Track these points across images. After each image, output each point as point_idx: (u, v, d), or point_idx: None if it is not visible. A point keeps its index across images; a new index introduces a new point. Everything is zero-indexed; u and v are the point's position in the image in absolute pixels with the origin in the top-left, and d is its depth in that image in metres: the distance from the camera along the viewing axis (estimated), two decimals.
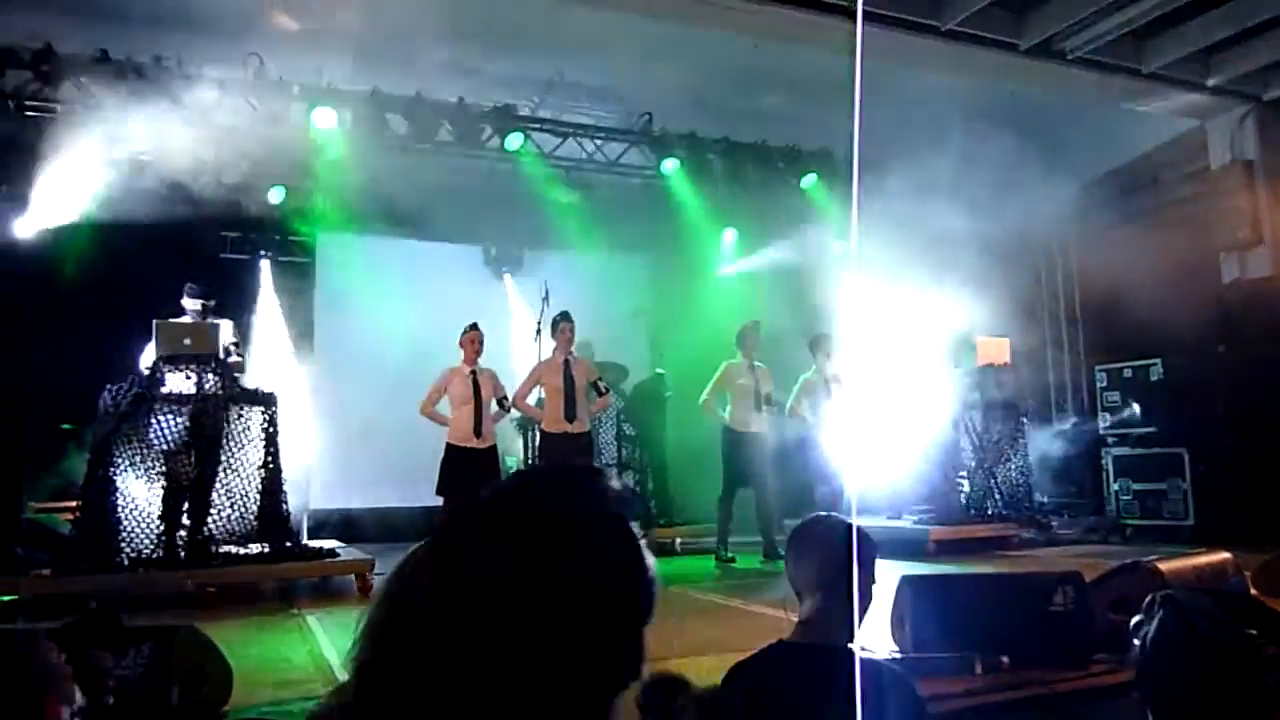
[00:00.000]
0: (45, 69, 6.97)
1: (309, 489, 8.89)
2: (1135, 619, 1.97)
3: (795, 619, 2.05)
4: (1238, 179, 8.58)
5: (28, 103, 7.29)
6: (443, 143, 8.39)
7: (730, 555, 7.42)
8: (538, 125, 8.73)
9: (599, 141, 9.14)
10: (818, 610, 1.98)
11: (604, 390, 7.25)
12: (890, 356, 8.86)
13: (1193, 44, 7.78)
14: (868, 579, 2.02)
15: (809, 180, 9.64)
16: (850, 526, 2.12)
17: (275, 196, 8.51)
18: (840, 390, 7.82)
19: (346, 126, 7.99)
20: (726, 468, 7.55)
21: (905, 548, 7.69)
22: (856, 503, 9.02)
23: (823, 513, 2.18)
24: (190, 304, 6.48)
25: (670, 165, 9.09)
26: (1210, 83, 8.30)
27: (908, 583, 3.61)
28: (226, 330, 6.53)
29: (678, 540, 8.46)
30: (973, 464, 8.31)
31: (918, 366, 8.52)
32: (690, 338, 9.98)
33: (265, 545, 6.04)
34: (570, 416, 7.00)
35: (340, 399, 8.99)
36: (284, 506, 6.21)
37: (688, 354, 9.08)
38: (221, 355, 6.18)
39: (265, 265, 9.16)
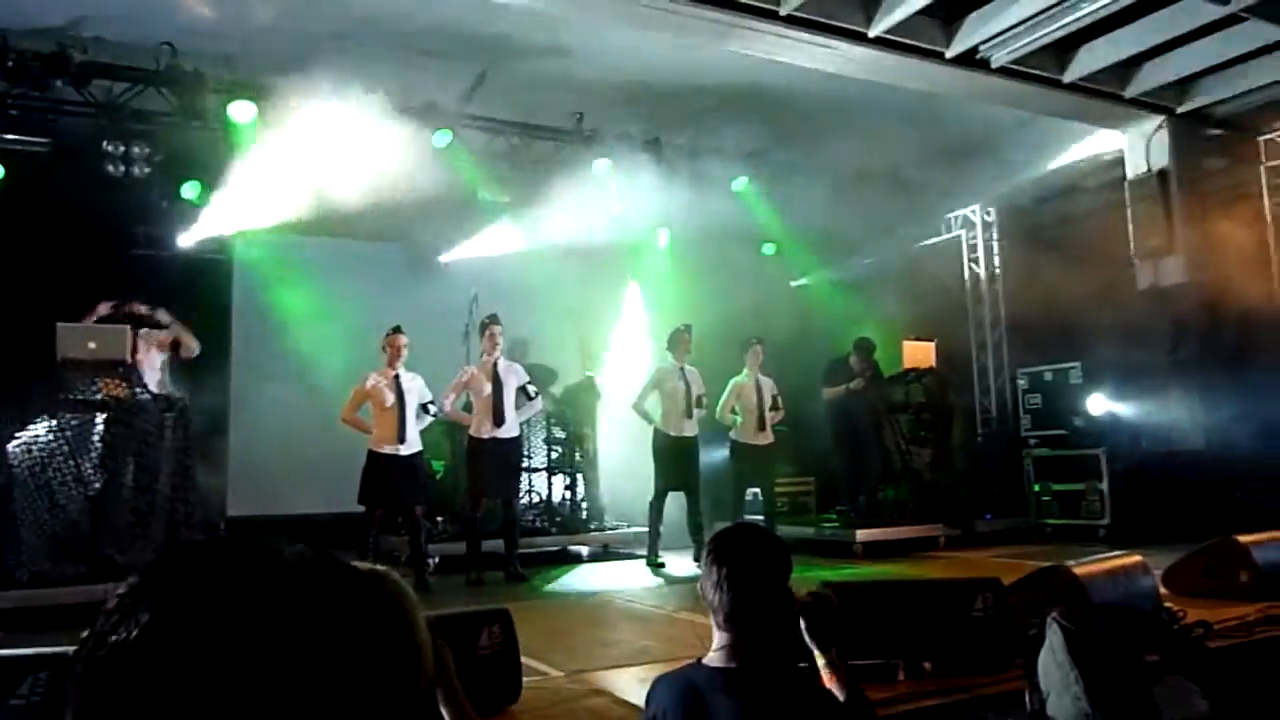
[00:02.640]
0: None
1: (225, 496, 8.66)
2: (1031, 632, 2.05)
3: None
4: (1152, 189, 8.92)
5: None
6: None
7: (661, 560, 7.45)
8: (467, 123, 8.63)
9: (529, 139, 9.07)
10: (733, 626, 1.95)
11: (534, 394, 7.21)
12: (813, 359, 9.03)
13: (1111, 57, 8.05)
14: (781, 592, 2.00)
15: (740, 182, 9.71)
16: (765, 536, 2.12)
17: (189, 191, 8.25)
18: (771, 393, 7.90)
19: (265, 119, 7.77)
20: (658, 471, 7.58)
21: (832, 549, 7.84)
22: (786, 505, 9.18)
23: (741, 520, 2.18)
24: (104, 309, 6.26)
25: (602, 164, 9.07)
26: (1127, 94, 8.61)
27: (830, 590, 3.66)
28: (165, 337, 6.38)
29: (608, 545, 8.46)
30: (899, 465, 8.48)
31: (843, 369, 8.69)
32: (621, 340, 10.00)
33: None
34: (499, 421, 6.94)
35: (258, 402, 8.76)
36: (198, 516, 6.02)
37: (619, 356, 9.08)
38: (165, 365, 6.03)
39: (179, 263, 8.84)
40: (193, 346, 6.64)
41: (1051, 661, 2.02)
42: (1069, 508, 8.63)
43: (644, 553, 7.59)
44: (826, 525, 8.53)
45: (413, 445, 6.71)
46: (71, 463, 5.77)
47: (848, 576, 5.89)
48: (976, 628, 3.61)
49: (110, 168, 7.54)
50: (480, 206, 9.05)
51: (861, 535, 7.80)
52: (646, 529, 7.62)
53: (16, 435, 5.60)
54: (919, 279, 10.66)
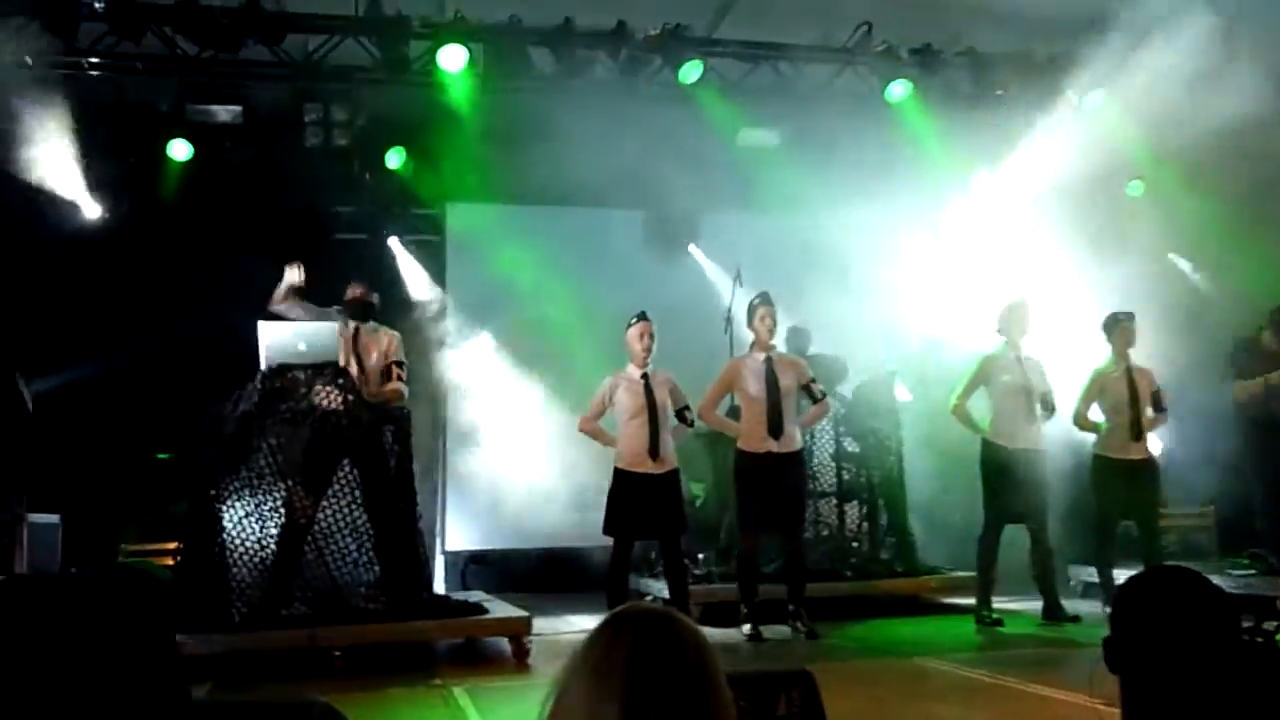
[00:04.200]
0: (125, 19, 7.54)
1: (442, 526, 9.28)
2: None
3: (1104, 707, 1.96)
4: None
5: (94, 60, 7.89)
6: (599, 80, 8.53)
7: (996, 615, 7.33)
8: (720, 50, 8.75)
9: (801, 65, 9.06)
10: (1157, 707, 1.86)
11: (819, 395, 7.19)
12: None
13: None
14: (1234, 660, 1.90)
15: (1093, 99, 9.19)
16: (1205, 585, 1.99)
17: (394, 160, 8.89)
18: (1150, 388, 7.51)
19: (479, 67, 8.24)
20: (989, 496, 7.45)
21: (1244, 605, 7.21)
22: (1173, 544, 8.62)
23: (1166, 564, 2.09)
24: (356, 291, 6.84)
25: (899, 90, 8.91)
26: None
27: None
28: (392, 343, 6.84)
29: (921, 593, 8.30)
30: None
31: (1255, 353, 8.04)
32: (927, 319, 9.73)
33: (394, 597, 6.30)
34: (776, 431, 6.97)
35: (477, 413, 9.28)
36: (420, 550, 6.49)
37: (930, 341, 8.88)
38: (378, 376, 6.55)
39: (384, 247, 9.57)
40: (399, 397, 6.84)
41: None
42: None
43: (972, 604, 7.48)
44: (1237, 573, 7.91)
45: (667, 462, 6.87)
46: (280, 485, 6.37)
47: None
48: None
49: (308, 137, 8.24)
50: (740, 156, 9.12)
51: None
52: (974, 573, 7.52)
53: (222, 452, 6.25)
54: None
